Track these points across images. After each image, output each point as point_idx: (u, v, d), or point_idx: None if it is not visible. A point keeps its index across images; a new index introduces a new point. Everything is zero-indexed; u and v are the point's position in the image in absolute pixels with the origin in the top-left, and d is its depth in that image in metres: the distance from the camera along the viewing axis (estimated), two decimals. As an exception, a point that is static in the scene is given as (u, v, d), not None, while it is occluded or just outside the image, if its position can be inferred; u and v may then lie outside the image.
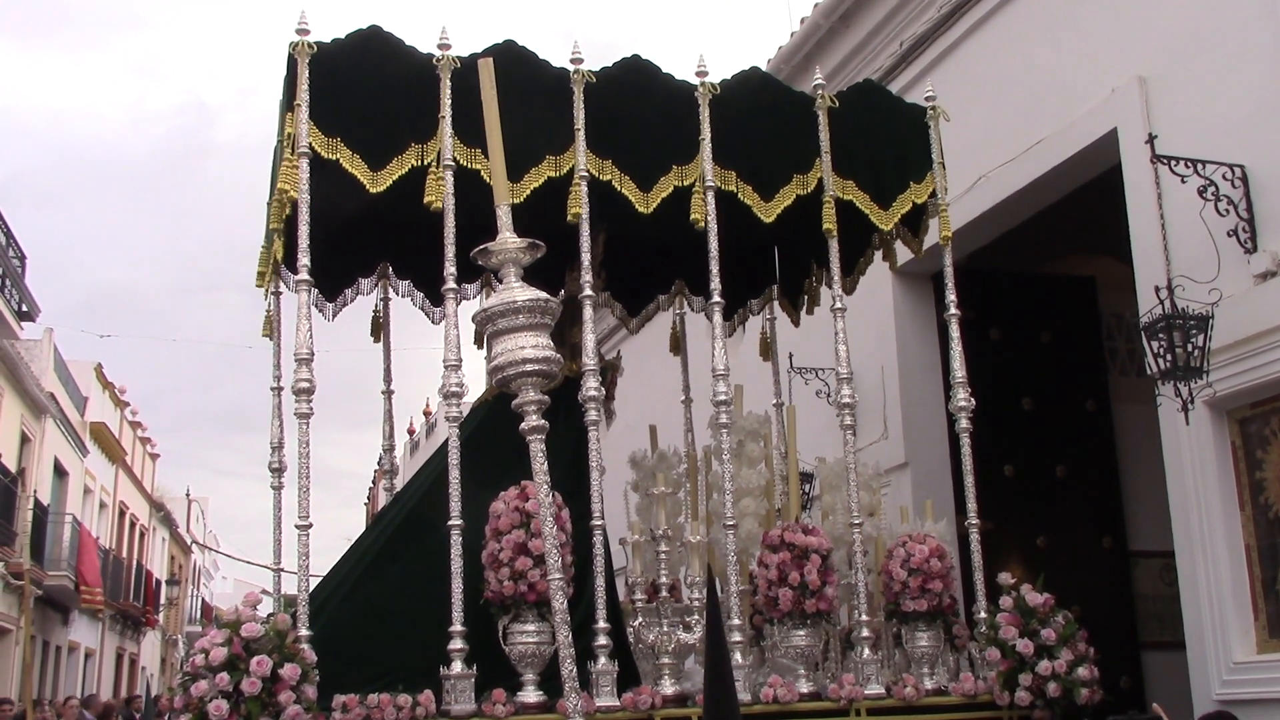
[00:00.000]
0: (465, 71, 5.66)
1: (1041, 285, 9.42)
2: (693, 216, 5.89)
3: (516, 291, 2.93)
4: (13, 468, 20.28)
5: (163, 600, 34.26)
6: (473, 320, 3.79)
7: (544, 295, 3.05)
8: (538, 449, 2.93)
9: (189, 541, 40.65)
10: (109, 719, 16.42)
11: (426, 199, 5.47)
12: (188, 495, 40.79)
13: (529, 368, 2.90)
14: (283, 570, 6.37)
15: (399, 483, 7.23)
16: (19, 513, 20.52)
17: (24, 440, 21.50)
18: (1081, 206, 8.23)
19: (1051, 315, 9.30)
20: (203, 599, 44.29)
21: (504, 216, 2.98)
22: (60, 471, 24.03)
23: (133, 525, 31.45)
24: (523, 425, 2.95)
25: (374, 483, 34.79)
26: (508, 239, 2.99)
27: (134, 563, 30.67)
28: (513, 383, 2.90)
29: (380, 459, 7.70)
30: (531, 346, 2.88)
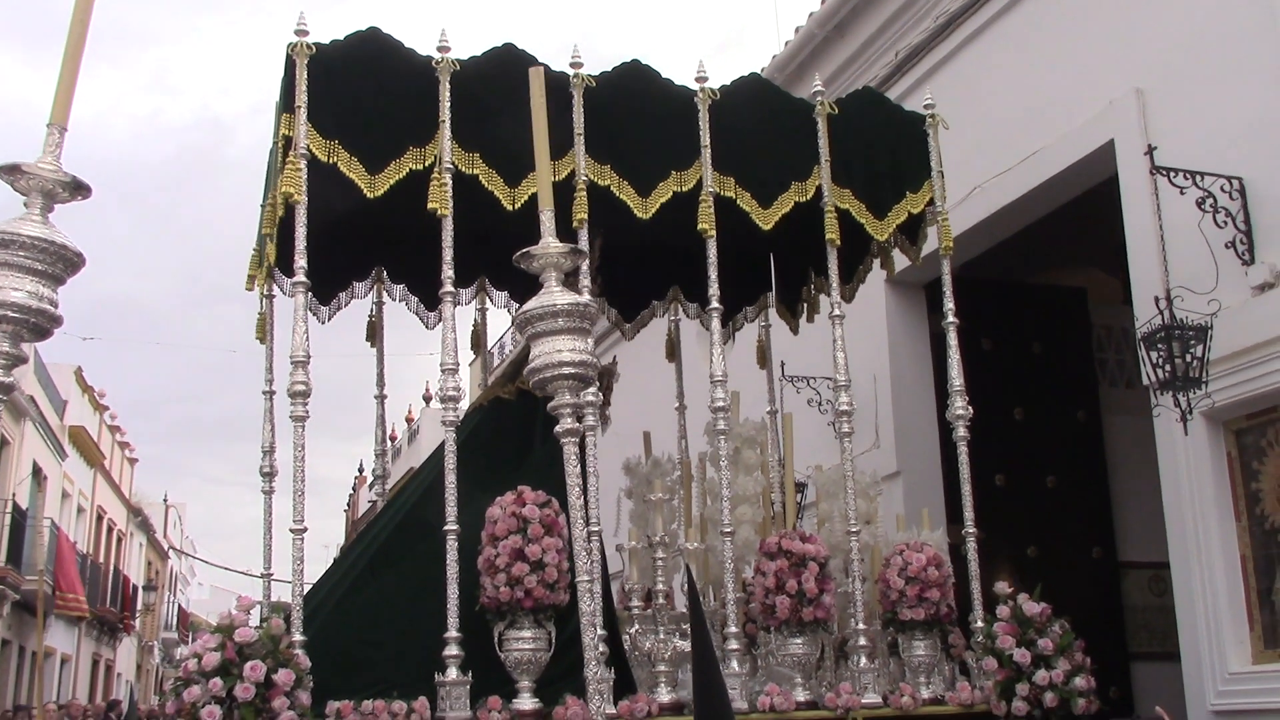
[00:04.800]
0: (464, 75, 5.63)
1: (1033, 296, 9.44)
2: (700, 226, 5.85)
3: (556, 295, 2.95)
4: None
5: (139, 606, 34.00)
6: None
7: (584, 300, 3.07)
8: (571, 452, 2.93)
9: (166, 547, 40.37)
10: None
11: (430, 204, 5.41)
12: (165, 501, 40.55)
13: (566, 371, 2.91)
14: (271, 577, 6.29)
15: (389, 487, 7.16)
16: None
17: (2, 443, 21.31)
18: (1071, 218, 8.23)
19: (1043, 326, 9.31)
20: (179, 605, 44.00)
21: (547, 221, 3.02)
22: (38, 475, 23.81)
23: (110, 530, 31.21)
24: (557, 428, 2.96)
25: (354, 490, 34.66)
26: (550, 244, 3.02)
27: (111, 568, 30.43)
28: (549, 385, 2.91)
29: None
30: (569, 350, 2.90)
